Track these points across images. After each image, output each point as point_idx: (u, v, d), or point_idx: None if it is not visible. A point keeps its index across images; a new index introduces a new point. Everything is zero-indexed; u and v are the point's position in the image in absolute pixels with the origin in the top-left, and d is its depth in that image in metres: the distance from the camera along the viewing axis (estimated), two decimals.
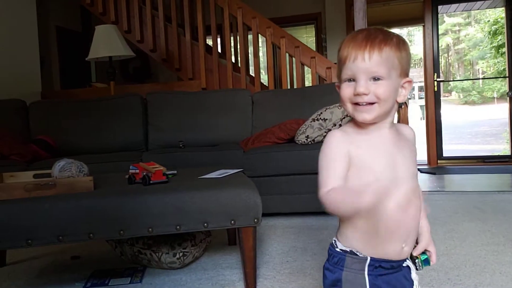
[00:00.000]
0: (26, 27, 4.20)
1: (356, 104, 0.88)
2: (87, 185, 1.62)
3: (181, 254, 1.85)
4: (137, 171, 1.76)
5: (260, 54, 4.50)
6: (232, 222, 1.62)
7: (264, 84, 4.74)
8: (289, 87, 4.15)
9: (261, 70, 5.30)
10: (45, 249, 2.31)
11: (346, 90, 0.89)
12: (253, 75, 4.27)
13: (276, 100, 3.35)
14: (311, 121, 2.79)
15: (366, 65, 0.86)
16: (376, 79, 0.86)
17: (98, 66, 5.88)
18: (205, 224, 1.61)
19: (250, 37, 4.20)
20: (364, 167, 0.89)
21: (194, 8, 4.27)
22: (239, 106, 3.35)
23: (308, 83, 4.46)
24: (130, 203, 1.58)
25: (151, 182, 1.69)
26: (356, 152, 0.90)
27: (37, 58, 4.32)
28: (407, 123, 3.35)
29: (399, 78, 0.89)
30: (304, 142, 2.75)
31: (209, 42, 4.48)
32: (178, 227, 1.59)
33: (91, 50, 3.68)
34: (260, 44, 4.34)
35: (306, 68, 3.99)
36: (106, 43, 3.60)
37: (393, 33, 0.91)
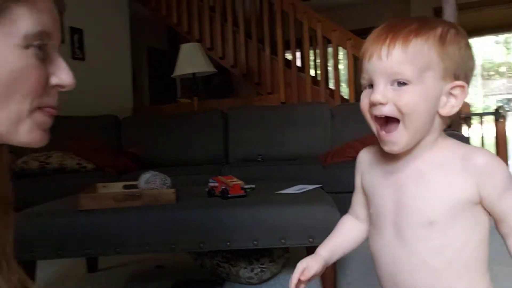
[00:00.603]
0: (121, 48, 4.56)
1: (376, 118, 0.68)
2: (170, 197, 1.68)
3: (259, 269, 1.84)
4: (216, 184, 1.79)
5: (341, 66, 4.42)
6: (310, 240, 1.57)
7: (345, 97, 4.63)
8: None
9: (342, 83, 5.19)
10: (133, 256, 2.43)
11: (364, 101, 0.69)
12: (333, 88, 4.19)
13: (357, 114, 3.21)
14: None
15: (384, 64, 0.64)
16: (401, 83, 0.64)
17: (183, 82, 6.19)
18: (283, 241, 1.58)
19: (330, 50, 4.14)
20: (373, 197, 0.77)
21: (274, 23, 4.32)
22: (318, 120, 3.30)
23: None
24: (209, 217, 1.60)
25: (229, 196, 1.71)
26: (367, 180, 0.80)
27: (130, 76, 4.67)
28: (504, 140, 3.03)
29: (441, 81, 0.65)
30: None
31: (288, 56, 4.50)
32: (255, 242, 1.58)
33: (177, 67, 3.88)
34: (341, 57, 4.26)
35: None
36: (190, 60, 3.77)
37: (444, 21, 0.68)
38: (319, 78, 4.24)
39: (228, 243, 1.58)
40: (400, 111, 0.64)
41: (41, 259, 1.65)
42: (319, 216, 1.57)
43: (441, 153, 0.69)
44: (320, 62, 4.17)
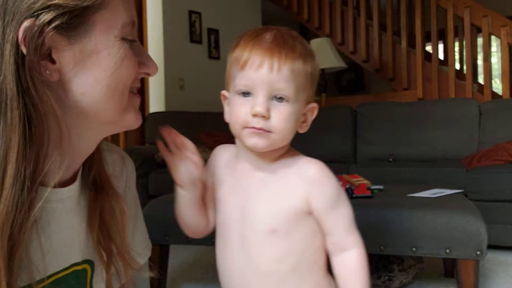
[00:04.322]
0: None
1: (247, 128, 0.66)
2: None
3: (386, 277, 1.69)
4: (341, 183, 1.70)
5: (494, 59, 3.88)
6: (447, 251, 1.38)
7: (497, 93, 4.06)
8: None
9: (495, 78, 4.57)
10: None
11: (241, 109, 0.67)
12: (483, 82, 3.70)
13: None
14: None
15: (272, 77, 0.64)
16: (279, 99, 0.66)
17: None
18: (413, 249, 1.42)
19: (480, 40, 3.66)
20: (219, 203, 0.74)
21: (413, 13, 3.99)
22: (462, 118, 2.94)
23: None
24: None
25: (353, 195, 1.60)
26: (218, 182, 0.75)
27: None
28: None
29: (305, 103, 0.70)
30: None
31: (429, 48, 4.12)
32: (382, 247, 1.45)
33: None
34: (494, 49, 3.74)
35: None
36: (319, 55, 3.68)
37: (301, 38, 0.70)
38: (465, 71, 3.79)
39: None
40: (272, 126, 0.65)
41: (174, 244, 1.76)
42: (458, 225, 1.37)
43: (283, 163, 0.71)
44: (467, 53, 3.71)
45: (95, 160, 0.66)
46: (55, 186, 0.56)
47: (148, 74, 0.63)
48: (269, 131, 0.66)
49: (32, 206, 0.52)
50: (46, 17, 0.50)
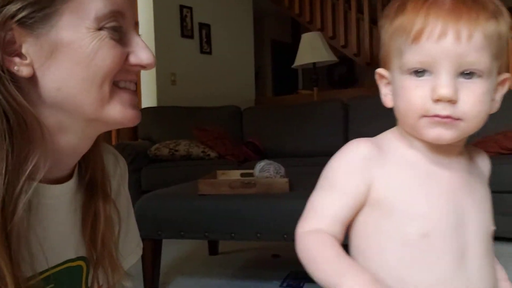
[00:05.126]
0: (244, 41, 4.72)
1: (428, 116, 0.52)
2: (283, 186, 1.65)
3: None
4: None
5: None
6: None
7: None
8: None
9: None
10: (250, 243, 2.48)
11: (417, 93, 0.52)
12: None
13: (505, 102, 2.82)
14: None
15: (461, 49, 0.49)
16: (469, 75, 0.50)
17: (305, 73, 6.17)
18: None
19: None
20: (400, 211, 0.55)
21: None
22: None
23: None
24: None
25: None
26: (387, 183, 0.56)
27: (252, 69, 4.80)
28: None
29: (497, 74, 0.53)
30: None
31: None
32: None
33: (297, 58, 3.86)
34: None
35: None
36: (311, 50, 3.72)
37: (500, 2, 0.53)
38: None
39: None
40: (462, 112, 0.51)
41: (167, 238, 1.76)
42: None
43: (465, 152, 0.61)
44: None
45: (91, 159, 0.65)
46: (52, 183, 0.55)
47: (142, 67, 0.60)
48: (458, 119, 0.51)
49: (21, 200, 0.52)
50: (8, 11, 0.50)
